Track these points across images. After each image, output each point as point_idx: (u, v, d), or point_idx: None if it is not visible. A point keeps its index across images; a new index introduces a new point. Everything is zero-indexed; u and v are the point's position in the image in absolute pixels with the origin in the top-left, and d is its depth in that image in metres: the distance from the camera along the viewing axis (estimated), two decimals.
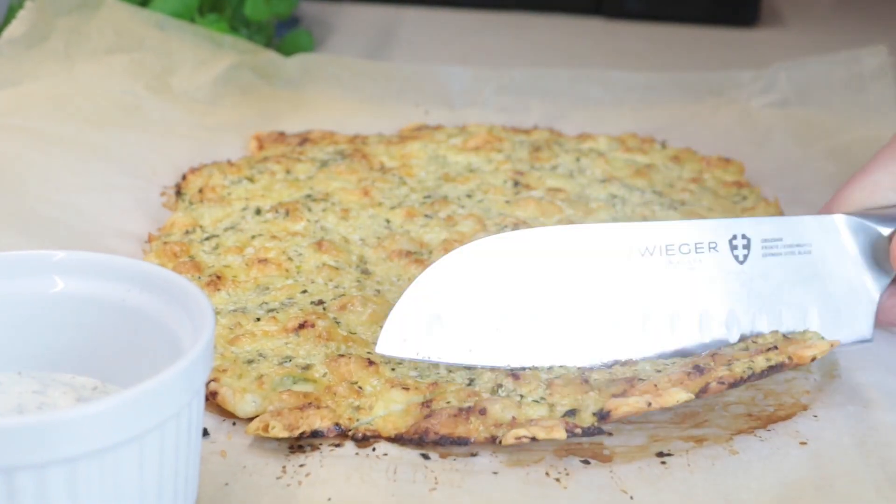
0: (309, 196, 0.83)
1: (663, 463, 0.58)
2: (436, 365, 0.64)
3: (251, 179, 0.86)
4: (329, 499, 0.55)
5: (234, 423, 0.61)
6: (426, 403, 0.60)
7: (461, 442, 0.58)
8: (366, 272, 0.74)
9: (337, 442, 0.59)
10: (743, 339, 0.66)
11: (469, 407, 0.59)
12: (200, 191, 0.84)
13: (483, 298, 0.63)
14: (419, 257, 0.76)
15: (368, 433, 0.59)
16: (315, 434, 0.59)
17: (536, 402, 0.60)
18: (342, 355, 0.64)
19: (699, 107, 1.08)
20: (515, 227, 0.79)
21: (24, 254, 0.54)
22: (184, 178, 0.87)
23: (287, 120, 1.02)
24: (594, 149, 0.95)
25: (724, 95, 1.10)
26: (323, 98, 1.07)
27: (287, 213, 0.80)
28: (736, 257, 0.65)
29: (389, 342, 0.61)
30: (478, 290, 0.63)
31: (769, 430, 0.61)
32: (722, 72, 1.13)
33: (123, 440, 0.44)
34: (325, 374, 0.63)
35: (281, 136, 0.96)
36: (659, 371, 0.63)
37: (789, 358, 0.62)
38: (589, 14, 1.43)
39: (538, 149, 0.94)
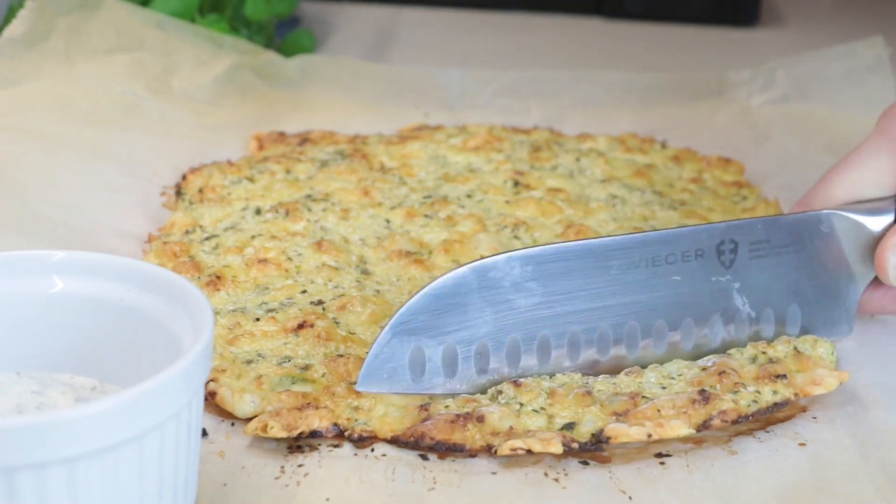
0: (309, 196, 0.83)
1: (662, 464, 0.58)
2: None
3: (251, 179, 0.86)
4: (327, 499, 0.55)
5: (232, 424, 0.61)
6: (424, 406, 0.60)
7: (457, 448, 0.58)
8: (365, 272, 0.74)
9: (335, 442, 0.59)
10: (754, 338, 0.66)
11: (467, 413, 0.59)
12: (200, 191, 0.84)
13: (466, 325, 0.62)
14: (419, 257, 0.76)
15: (365, 434, 0.59)
16: (314, 434, 0.59)
17: (536, 411, 0.60)
18: (341, 355, 0.64)
19: (699, 107, 1.08)
20: (515, 227, 0.79)
21: (23, 254, 0.54)
22: (184, 178, 0.87)
23: (287, 120, 1.02)
24: (594, 149, 0.95)
25: (724, 95, 1.10)
26: (323, 98, 1.07)
27: (287, 213, 0.80)
28: (723, 262, 0.66)
29: (370, 379, 0.61)
30: (460, 318, 0.62)
31: (768, 432, 0.61)
32: (721, 72, 1.13)
33: (123, 440, 0.44)
34: (324, 375, 0.63)
35: (281, 136, 0.96)
36: (664, 388, 0.62)
37: (795, 394, 0.62)
38: (589, 14, 1.43)
39: (538, 149, 0.94)
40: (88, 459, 0.43)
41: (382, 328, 0.61)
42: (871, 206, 0.68)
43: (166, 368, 0.45)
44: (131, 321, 0.53)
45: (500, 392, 0.61)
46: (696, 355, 0.65)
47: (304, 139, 0.96)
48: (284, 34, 1.23)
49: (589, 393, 0.61)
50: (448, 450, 0.58)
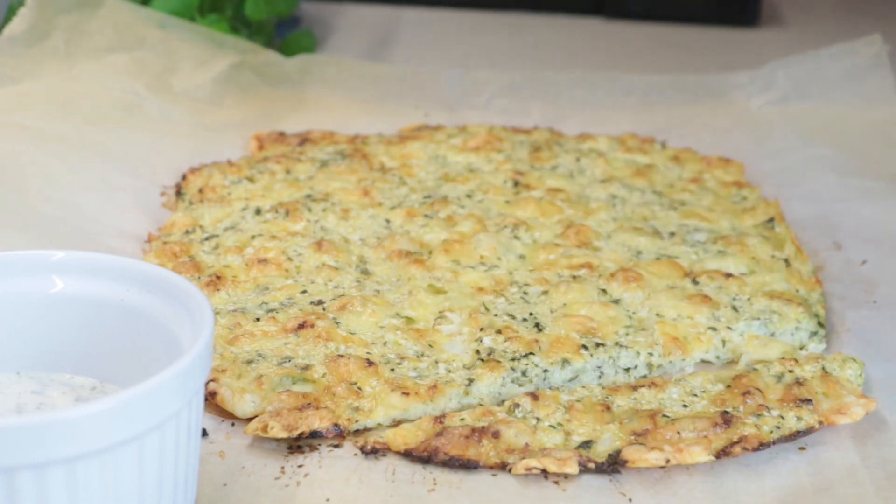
0: (309, 196, 0.83)
1: (662, 466, 0.58)
2: (435, 364, 0.64)
3: (251, 179, 0.86)
4: (327, 499, 0.55)
5: (232, 424, 0.61)
6: (439, 419, 0.60)
7: (471, 465, 0.57)
8: (365, 272, 0.74)
9: (335, 442, 0.59)
10: (784, 354, 0.66)
11: (483, 427, 0.59)
12: (200, 191, 0.84)
13: None
14: (419, 257, 0.76)
15: (378, 446, 0.59)
16: (314, 435, 0.59)
17: (553, 427, 0.59)
18: (341, 356, 0.64)
19: (699, 107, 1.08)
20: (515, 227, 0.79)
21: (23, 254, 0.54)
22: (184, 178, 0.87)
23: (287, 120, 1.02)
24: (594, 149, 0.95)
25: (724, 95, 1.10)
26: (323, 98, 1.07)
27: (287, 213, 0.80)
28: None
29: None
30: None
31: None
32: (721, 73, 1.13)
33: (123, 440, 0.44)
34: (324, 375, 0.63)
35: (281, 136, 0.96)
36: (685, 406, 0.61)
37: (820, 422, 0.60)
38: (589, 14, 1.43)
39: (538, 149, 0.94)
40: (88, 459, 0.43)
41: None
42: None
43: (166, 368, 0.45)
44: (131, 321, 0.53)
45: (517, 405, 0.61)
46: None
47: (304, 139, 0.96)
48: (285, 34, 1.23)
49: (608, 408, 0.60)
50: (462, 466, 0.57)
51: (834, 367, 0.65)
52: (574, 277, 0.74)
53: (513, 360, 0.65)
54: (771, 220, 0.83)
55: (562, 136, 0.99)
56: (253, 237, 0.77)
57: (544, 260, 0.76)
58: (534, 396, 0.61)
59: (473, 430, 0.58)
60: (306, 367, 0.63)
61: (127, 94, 0.97)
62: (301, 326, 0.66)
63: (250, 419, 0.60)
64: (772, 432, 0.59)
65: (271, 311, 0.68)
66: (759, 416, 0.60)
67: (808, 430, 0.60)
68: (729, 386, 0.63)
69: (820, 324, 0.71)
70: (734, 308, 0.71)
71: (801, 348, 0.69)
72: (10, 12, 1.08)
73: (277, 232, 0.78)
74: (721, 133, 1.03)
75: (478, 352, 0.66)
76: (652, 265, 0.75)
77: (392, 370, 0.63)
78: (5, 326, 0.53)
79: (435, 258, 0.76)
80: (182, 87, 1.02)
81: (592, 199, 0.86)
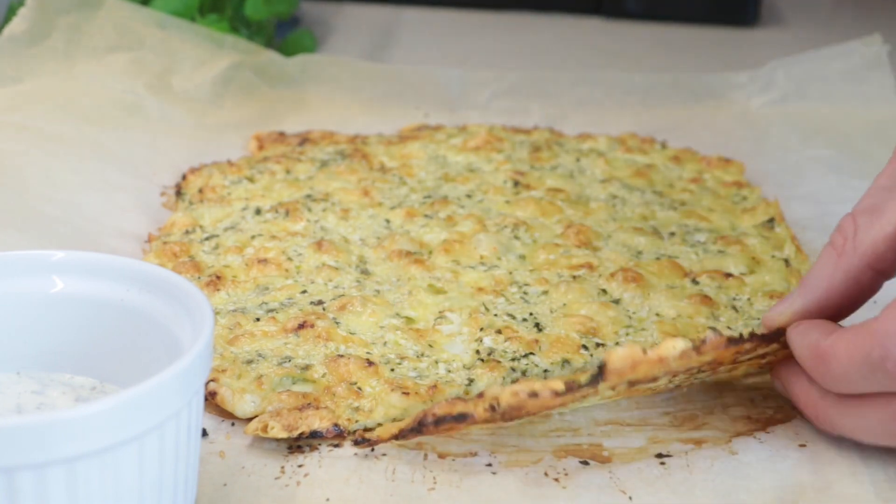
0: (309, 196, 0.83)
1: (662, 464, 0.58)
2: (435, 364, 0.64)
3: (251, 179, 0.86)
4: (327, 499, 0.55)
5: (232, 424, 0.61)
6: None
7: (461, 418, 0.55)
8: (365, 272, 0.74)
9: (335, 442, 0.59)
10: None
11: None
12: (200, 191, 0.84)
13: None
14: (419, 257, 0.76)
15: (371, 438, 0.59)
16: (314, 434, 0.59)
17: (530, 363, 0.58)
18: (341, 356, 0.64)
19: (699, 107, 1.08)
20: (515, 227, 0.79)
21: (23, 254, 0.54)
22: (184, 178, 0.87)
23: (287, 120, 1.02)
24: (594, 149, 0.95)
25: (724, 95, 1.10)
26: (323, 98, 1.07)
27: (287, 213, 0.80)
28: None
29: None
30: None
31: (768, 433, 0.61)
32: (721, 73, 1.13)
33: (123, 440, 0.44)
34: (324, 375, 0.63)
35: (281, 136, 0.96)
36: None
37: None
38: (589, 14, 1.43)
39: (538, 149, 0.94)
40: (88, 459, 0.43)
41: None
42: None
43: (166, 368, 0.45)
44: (131, 321, 0.53)
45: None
46: None
47: (304, 139, 0.96)
48: (285, 34, 1.23)
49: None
50: (453, 422, 0.55)
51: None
52: (574, 277, 0.74)
53: (513, 360, 0.65)
54: (771, 220, 0.83)
55: (562, 136, 0.99)
56: (253, 237, 0.77)
57: (544, 260, 0.76)
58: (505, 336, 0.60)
59: (458, 397, 0.58)
60: (306, 367, 0.63)
61: (127, 94, 0.97)
62: (301, 326, 0.66)
63: (250, 419, 0.60)
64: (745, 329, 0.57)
65: (271, 311, 0.68)
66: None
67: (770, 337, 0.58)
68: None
69: None
70: (734, 308, 0.71)
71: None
72: (10, 12, 1.08)
73: (277, 232, 0.78)
74: (721, 133, 1.03)
75: (478, 352, 0.66)
76: (652, 265, 0.75)
77: (392, 370, 0.63)
78: (5, 326, 0.53)
79: (435, 258, 0.76)
80: (182, 87, 1.02)
81: (592, 199, 0.85)
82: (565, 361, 0.65)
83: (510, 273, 0.74)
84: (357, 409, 0.61)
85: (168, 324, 0.51)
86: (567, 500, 0.55)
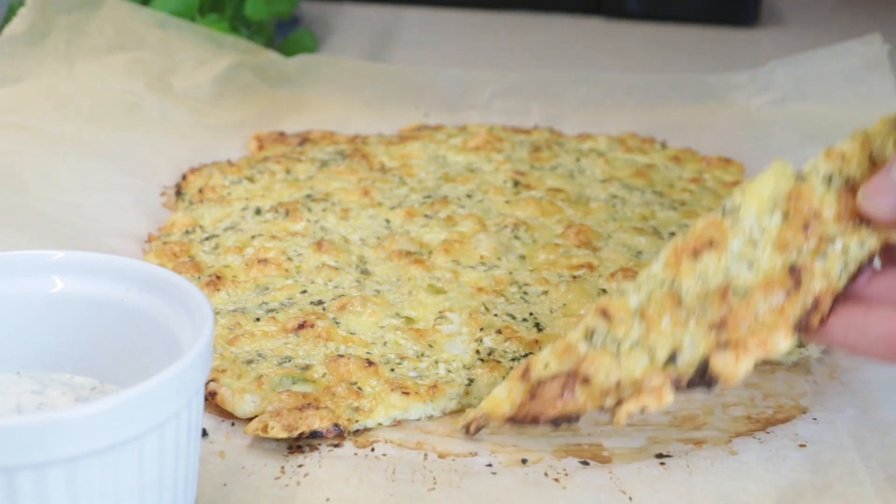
0: (309, 196, 0.83)
1: (662, 464, 0.58)
2: (435, 364, 0.64)
3: (251, 179, 0.86)
4: (327, 499, 0.55)
5: (232, 424, 0.61)
6: (525, 373, 0.58)
7: (574, 419, 0.55)
8: (365, 272, 0.74)
9: (335, 442, 0.59)
10: None
11: (570, 374, 0.56)
12: (200, 191, 0.84)
13: None
14: (419, 257, 0.76)
15: (482, 424, 0.59)
16: (314, 434, 0.59)
17: (633, 347, 0.56)
18: (341, 356, 0.64)
19: (699, 107, 1.08)
20: (515, 227, 0.79)
21: (23, 254, 0.54)
22: (184, 178, 0.87)
23: (287, 120, 1.02)
24: (594, 149, 0.95)
25: (724, 96, 1.10)
26: (323, 98, 1.07)
27: (287, 213, 0.80)
28: None
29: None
30: None
31: (768, 433, 0.61)
32: (721, 73, 1.13)
33: (123, 440, 0.44)
34: (324, 375, 0.63)
35: (281, 136, 0.96)
36: (751, 265, 0.55)
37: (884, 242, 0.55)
38: (589, 14, 1.43)
39: (538, 149, 0.94)
40: (88, 459, 0.43)
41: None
42: None
43: (166, 368, 0.45)
44: (131, 321, 0.53)
45: (593, 331, 0.57)
46: None
47: (304, 139, 0.96)
48: (285, 34, 1.23)
49: (679, 301, 0.55)
50: (567, 421, 0.55)
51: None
52: (574, 277, 0.74)
53: (513, 360, 0.65)
54: None
55: (562, 136, 0.99)
56: (253, 237, 0.77)
57: (544, 260, 0.76)
58: (604, 314, 0.57)
59: (563, 383, 0.56)
60: (306, 367, 0.63)
61: (127, 94, 0.97)
62: (301, 326, 0.66)
63: (250, 419, 0.60)
64: (839, 277, 0.54)
65: (271, 311, 0.68)
66: (824, 255, 0.54)
67: (871, 258, 0.55)
68: (786, 213, 0.56)
69: None
70: None
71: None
72: (10, 12, 1.08)
73: (277, 232, 0.78)
74: (721, 133, 1.03)
75: (478, 352, 0.66)
76: None
77: (392, 370, 0.63)
78: (5, 326, 0.53)
79: (435, 258, 0.76)
80: (182, 87, 1.02)
81: (592, 199, 0.85)
82: None
83: (510, 273, 0.74)
84: (357, 409, 0.61)
85: (168, 324, 0.51)
86: (567, 500, 0.55)
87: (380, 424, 0.61)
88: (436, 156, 0.92)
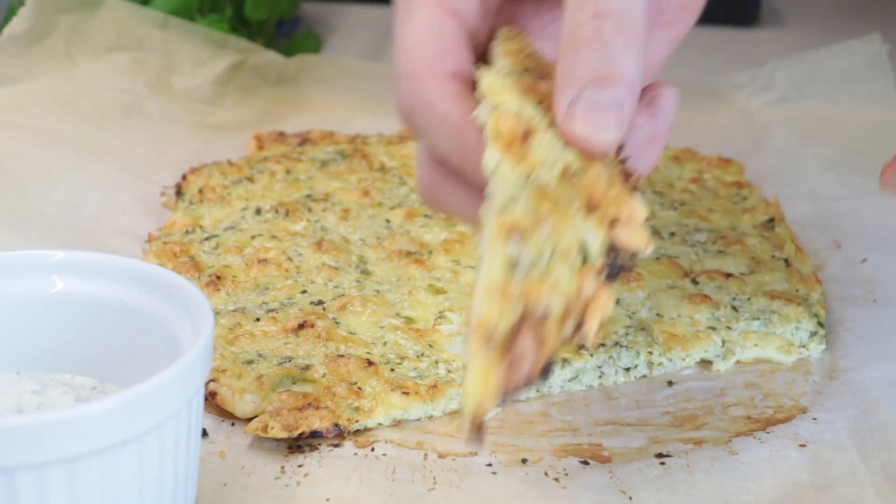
0: (309, 196, 0.83)
1: (662, 464, 0.58)
2: (435, 364, 0.64)
3: (251, 179, 0.86)
4: (327, 499, 0.55)
5: (232, 424, 0.61)
6: (486, 344, 0.50)
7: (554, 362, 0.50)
8: (366, 272, 0.74)
9: (335, 442, 0.59)
10: None
11: (525, 319, 0.49)
12: (200, 191, 0.84)
13: None
14: (419, 257, 0.76)
15: (480, 421, 0.55)
16: (314, 434, 0.59)
17: (551, 261, 0.50)
18: (341, 356, 0.64)
19: (699, 107, 1.08)
20: None
21: (23, 254, 0.54)
22: (184, 178, 0.87)
23: (287, 120, 1.02)
24: None
25: (724, 96, 1.10)
26: (323, 98, 1.07)
27: (287, 213, 0.80)
28: None
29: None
30: None
31: (768, 433, 0.61)
32: (720, 73, 1.13)
33: (123, 440, 0.44)
34: (324, 375, 0.63)
35: (281, 136, 0.96)
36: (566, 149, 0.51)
37: None
38: None
39: None
40: (88, 459, 0.43)
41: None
42: None
43: (166, 368, 0.45)
44: (131, 321, 0.53)
45: (515, 261, 0.50)
46: None
47: (304, 139, 0.96)
48: (286, 34, 1.23)
49: (548, 196, 0.50)
50: (551, 367, 0.50)
51: None
52: None
53: None
54: (771, 220, 0.83)
55: None
56: (253, 237, 0.77)
57: None
58: (518, 234, 0.50)
59: (528, 335, 0.50)
60: (306, 367, 0.63)
61: (127, 93, 0.97)
62: (301, 326, 0.66)
63: (250, 419, 0.60)
64: None
65: (271, 311, 0.68)
66: None
67: None
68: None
69: (820, 323, 0.71)
70: (734, 308, 0.71)
71: (801, 346, 0.69)
72: (10, 12, 1.08)
73: (277, 232, 0.78)
74: (721, 133, 1.03)
75: None
76: (652, 265, 0.75)
77: (392, 370, 0.63)
78: (5, 326, 0.53)
79: (435, 258, 0.76)
80: (182, 87, 1.02)
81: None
82: (565, 361, 0.65)
83: None
84: (357, 409, 0.61)
85: (168, 324, 0.51)
86: (567, 500, 0.55)
87: (380, 424, 0.61)
88: None
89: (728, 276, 0.74)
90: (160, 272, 0.53)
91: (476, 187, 0.53)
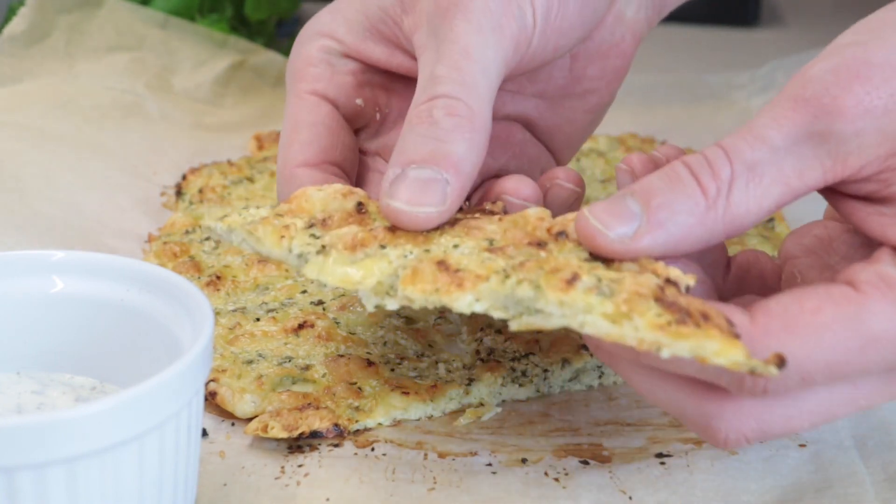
0: None
1: (662, 464, 0.58)
2: (435, 364, 0.64)
3: (251, 179, 0.86)
4: (327, 499, 0.55)
5: (232, 424, 0.61)
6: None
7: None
8: None
9: (335, 442, 0.59)
10: None
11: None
12: (200, 191, 0.84)
13: None
14: None
15: None
16: (314, 434, 0.59)
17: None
18: (341, 356, 0.64)
19: (699, 107, 1.08)
20: None
21: (23, 254, 0.54)
22: (184, 178, 0.87)
23: None
24: (594, 149, 0.95)
25: (724, 97, 1.10)
26: None
27: None
28: None
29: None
30: None
31: None
32: (721, 73, 1.13)
33: (123, 440, 0.44)
34: (324, 375, 0.63)
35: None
36: None
37: None
38: None
39: None
40: (88, 459, 0.43)
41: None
42: None
43: (166, 368, 0.45)
44: (131, 321, 0.53)
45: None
46: None
47: None
48: (286, 34, 1.23)
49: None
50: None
51: None
52: None
53: (513, 360, 0.65)
54: (771, 219, 0.82)
55: None
56: None
57: None
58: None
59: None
60: (306, 367, 0.63)
61: (127, 93, 0.97)
62: (301, 326, 0.66)
63: (250, 419, 0.60)
64: None
65: (271, 311, 0.68)
66: None
67: None
68: None
69: None
70: None
71: None
72: (10, 12, 1.08)
73: None
74: (721, 133, 1.03)
75: (478, 352, 0.66)
76: None
77: (392, 370, 0.63)
78: (5, 326, 0.53)
79: None
80: (182, 87, 1.02)
81: (592, 199, 0.85)
82: (565, 361, 0.65)
83: None
84: (357, 408, 0.61)
85: (168, 324, 0.51)
86: (567, 500, 0.55)
87: (380, 424, 0.61)
88: None
89: None
90: (160, 272, 0.53)
91: None
